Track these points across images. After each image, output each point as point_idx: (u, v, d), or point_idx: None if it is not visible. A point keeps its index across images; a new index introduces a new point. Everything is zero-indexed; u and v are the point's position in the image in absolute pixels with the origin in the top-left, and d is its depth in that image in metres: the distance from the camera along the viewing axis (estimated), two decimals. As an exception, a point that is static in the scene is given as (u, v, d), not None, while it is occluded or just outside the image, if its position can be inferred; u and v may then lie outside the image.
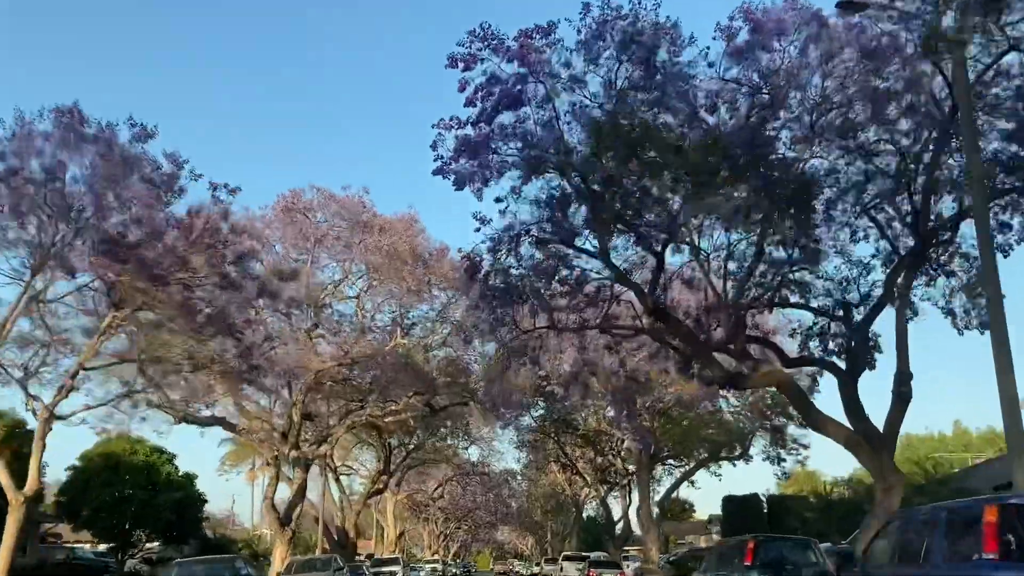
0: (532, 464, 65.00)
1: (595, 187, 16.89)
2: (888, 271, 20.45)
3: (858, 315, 20.85)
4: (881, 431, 17.40)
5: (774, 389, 39.44)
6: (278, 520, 32.03)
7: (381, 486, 53.20)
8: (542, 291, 19.05)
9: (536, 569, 76.22)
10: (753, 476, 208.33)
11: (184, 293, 19.74)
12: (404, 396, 35.16)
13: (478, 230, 17.82)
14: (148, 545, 38.43)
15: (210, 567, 18.08)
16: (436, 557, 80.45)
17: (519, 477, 74.49)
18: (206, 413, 30.66)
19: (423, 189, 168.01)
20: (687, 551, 51.26)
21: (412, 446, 51.30)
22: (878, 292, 20.66)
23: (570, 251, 18.01)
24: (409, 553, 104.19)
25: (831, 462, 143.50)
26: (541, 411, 49.33)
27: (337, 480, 47.56)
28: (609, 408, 41.00)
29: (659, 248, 17.92)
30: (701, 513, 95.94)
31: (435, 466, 69.74)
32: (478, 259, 18.12)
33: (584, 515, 74.17)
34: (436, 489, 69.22)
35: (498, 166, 16.54)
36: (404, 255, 31.28)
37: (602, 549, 76.67)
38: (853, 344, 19.76)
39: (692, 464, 42.74)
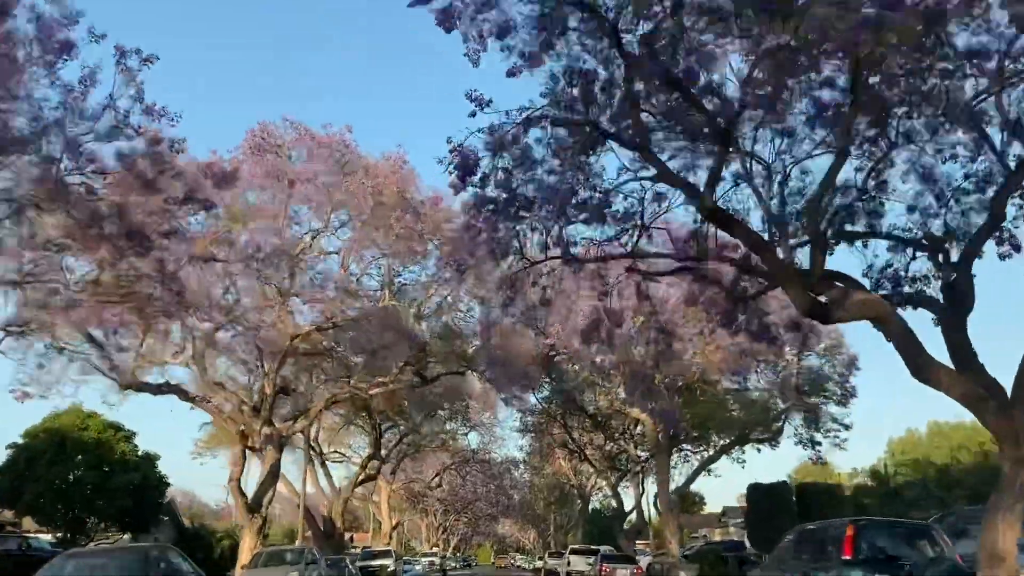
0: (536, 451, 60.49)
1: (634, 48, 12.34)
2: (995, 191, 15.99)
3: (955, 249, 16.45)
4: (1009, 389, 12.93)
5: (809, 363, 35.20)
6: (246, 505, 27.56)
7: (372, 472, 48.80)
8: (556, 206, 14.52)
9: (539, 564, 71.86)
10: (764, 466, 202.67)
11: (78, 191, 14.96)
12: (393, 366, 30.68)
13: (473, 115, 13.26)
14: (108, 535, 33.85)
15: (110, 559, 13.35)
16: (435, 550, 76.05)
17: (522, 466, 70.01)
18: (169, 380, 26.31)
19: (414, 137, 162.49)
20: (703, 545, 46.83)
21: (405, 430, 46.79)
22: (975, 220, 16.28)
23: (596, 141, 13.38)
24: (408, 547, 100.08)
25: (841, 454, 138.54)
26: (546, 393, 45.00)
27: (324, 465, 43.10)
28: (621, 388, 36.51)
29: (716, 142, 13.33)
30: (712, 506, 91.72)
31: (432, 454, 65.41)
32: (472, 156, 13.55)
33: (588, 507, 69.54)
34: (434, 479, 64.68)
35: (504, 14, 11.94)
36: (392, 201, 26.74)
37: (609, 542, 72.45)
38: (956, 279, 15.28)
39: (717, 447, 38.15)
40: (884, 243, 17.41)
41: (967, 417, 19.00)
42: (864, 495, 40.98)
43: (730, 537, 56.78)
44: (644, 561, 38.83)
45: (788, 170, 15.66)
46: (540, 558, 74.96)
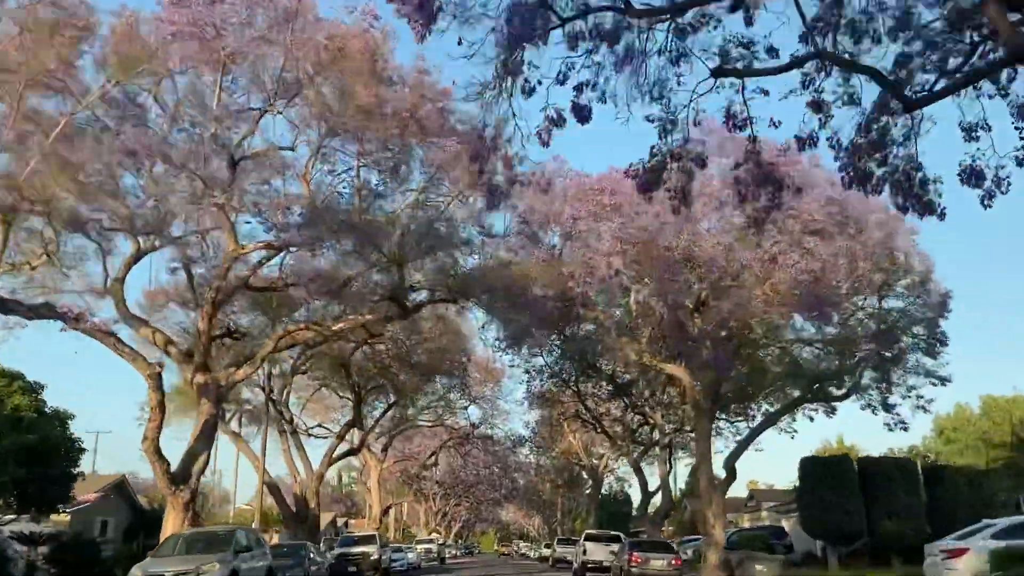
0: (544, 422, 53.38)
1: None
2: None
3: None
4: None
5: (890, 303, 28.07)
6: (166, 474, 20.50)
7: (354, 445, 41.81)
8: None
9: (546, 551, 64.95)
10: (780, 448, 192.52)
11: None
12: (367, 299, 23.60)
13: None
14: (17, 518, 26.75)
15: None
16: (433, 536, 69.13)
17: (527, 446, 62.81)
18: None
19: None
20: (736, 531, 39.83)
21: (392, 395, 39.75)
22: None
23: None
24: (408, 533, 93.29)
25: (862, 434, 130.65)
26: (556, 355, 37.96)
27: (294, 434, 36.04)
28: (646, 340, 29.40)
29: None
30: (735, 489, 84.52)
31: (428, 431, 58.42)
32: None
33: (601, 490, 62.42)
34: (430, 457, 57.62)
35: None
36: (357, 61, 19.58)
37: (621, 528, 65.77)
38: None
39: (764, 413, 30.93)
40: None
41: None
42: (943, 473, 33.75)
43: (760, 523, 49.71)
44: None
45: None
46: (547, 545, 68.02)
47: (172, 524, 21.04)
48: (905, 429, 28.07)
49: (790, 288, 23.32)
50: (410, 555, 50.39)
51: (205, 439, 22.00)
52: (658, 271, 24.11)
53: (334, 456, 38.11)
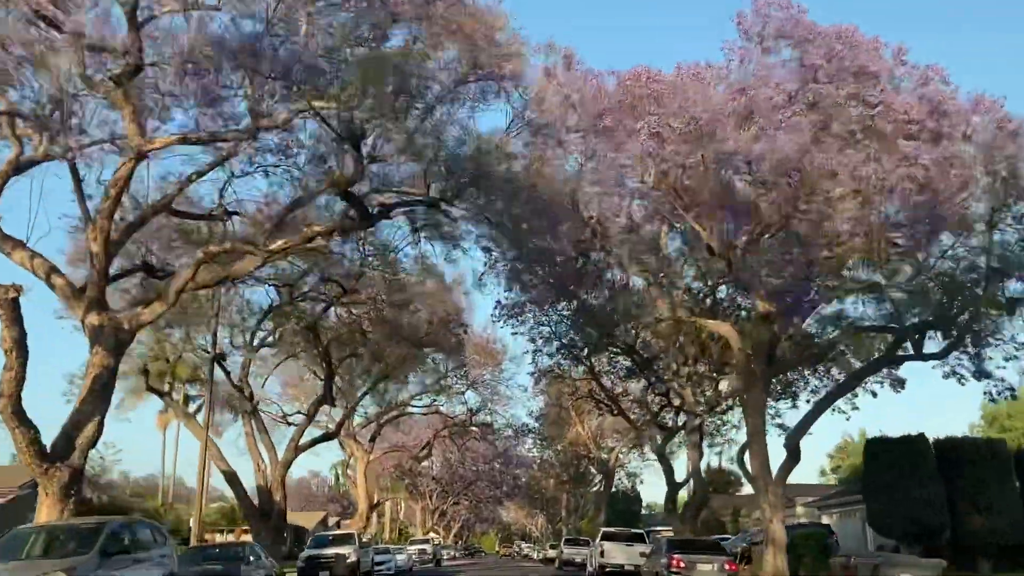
0: (551, 404, 47.27)
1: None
2: None
3: None
4: None
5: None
6: (33, 447, 14.42)
7: (329, 430, 35.69)
8: None
9: (551, 552, 58.92)
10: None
11: None
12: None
13: None
14: None
15: None
16: (430, 536, 62.89)
17: (530, 440, 56.59)
18: None
19: None
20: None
21: (372, 369, 33.57)
22: None
23: None
24: (405, 533, 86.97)
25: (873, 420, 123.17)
26: (566, 324, 31.88)
27: (254, 413, 29.84)
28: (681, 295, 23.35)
29: None
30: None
31: (421, 419, 52.25)
32: None
33: (613, 485, 56.15)
34: (423, 448, 51.38)
35: None
36: None
37: (630, 527, 60.12)
38: None
39: (860, 364, 24.52)
40: None
41: None
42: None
43: (797, 520, 43.42)
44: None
45: None
46: (552, 545, 61.91)
47: (45, 515, 14.95)
48: (1014, 396, 21.87)
49: (885, 200, 17.24)
50: (400, 557, 44.30)
51: (95, 400, 15.85)
52: (709, 184, 18.02)
53: (303, 442, 31.89)
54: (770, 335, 22.19)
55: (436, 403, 46.46)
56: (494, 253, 22.76)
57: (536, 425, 53.91)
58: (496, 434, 48.25)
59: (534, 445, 64.46)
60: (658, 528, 55.10)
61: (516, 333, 32.84)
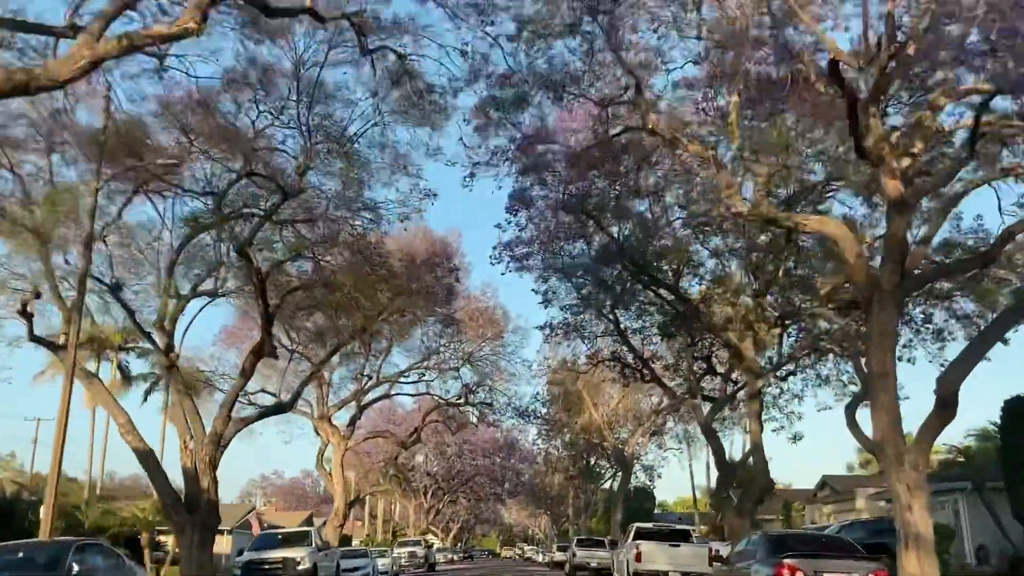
0: (560, 383, 39.63)
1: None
2: None
3: None
4: None
5: None
6: None
7: (283, 400, 27.97)
8: None
9: (558, 555, 51.22)
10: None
11: None
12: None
13: None
14: None
15: None
16: (428, 538, 55.00)
17: (535, 424, 48.77)
18: None
19: None
20: (846, 524, 25.98)
21: (332, 312, 25.73)
22: None
23: None
24: (398, 533, 79.12)
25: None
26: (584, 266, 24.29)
27: (172, 370, 21.99)
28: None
29: None
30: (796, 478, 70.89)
31: (410, 404, 44.58)
32: None
33: (631, 477, 48.23)
34: (412, 435, 43.54)
35: None
36: None
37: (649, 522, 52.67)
38: None
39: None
40: None
41: None
42: None
43: (859, 516, 35.62)
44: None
45: None
46: (560, 547, 54.13)
47: None
48: None
49: None
50: (382, 561, 36.60)
51: None
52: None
53: (248, 414, 24.17)
54: (902, 233, 14.57)
55: (425, 379, 38.75)
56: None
57: (543, 409, 46.29)
58: (497, 416, 40.44)
59: (539, 436, 56.94)
60: (685, 527, 47.43)
61: (520, 268, 25.17)
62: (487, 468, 67.06)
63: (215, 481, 21.96)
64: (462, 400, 38.69)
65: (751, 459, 23.45)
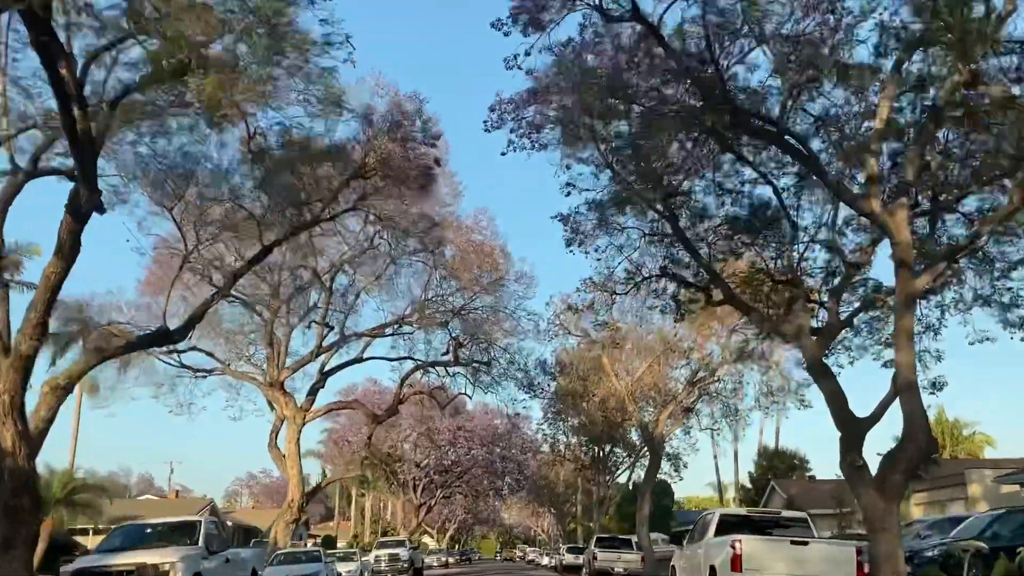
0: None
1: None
2: None
3: None
4: None
5: None
6: None
7: (168, 326, 18.72)
8: None
9: (568, 557, 42.44)
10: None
11: None
12: None
13: None
14: None
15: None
16: (407, 538, 45.70)
17: (541, 399, 39.66)
18: None
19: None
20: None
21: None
22: None
23: None
24: (386, 533, 69.99)
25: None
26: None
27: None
28: None
29: None
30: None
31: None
32: None
33: (661, 460, 38.94)
34: (395, 404, 34.21)
35: None
36: None
37: (661, 526, 44.48)
38: None
39: None
40: None
41: None
42: None
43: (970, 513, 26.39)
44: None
45: None
46: (571, 548, 45.09)
47: None
48: None
49: None
50: (346, 567, 27.82)
51: None
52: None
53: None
54: None
55: (403, 332, 29.66)
56: None
57: (551, 384, 37.23)
58: (495, 381, 31.23)
59: (544, 419, 47.93)
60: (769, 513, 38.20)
61: (532, 143, 16.46)
62: (485, 459, 57.92)
63: (25, 440, 12.88)
64: (449, 356, 29.52)
65: (902, 405, 14.37)
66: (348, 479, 45.70)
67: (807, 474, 52.54)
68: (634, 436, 48.28)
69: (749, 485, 54.40)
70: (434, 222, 22.10)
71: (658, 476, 48.18)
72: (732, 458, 60.83)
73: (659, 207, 17.41)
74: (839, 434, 15.34)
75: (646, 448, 45.09)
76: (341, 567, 26.96)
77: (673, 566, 16.22)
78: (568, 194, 17.40)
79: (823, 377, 16.10)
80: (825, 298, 18.58)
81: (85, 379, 32.55)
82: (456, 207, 27.80)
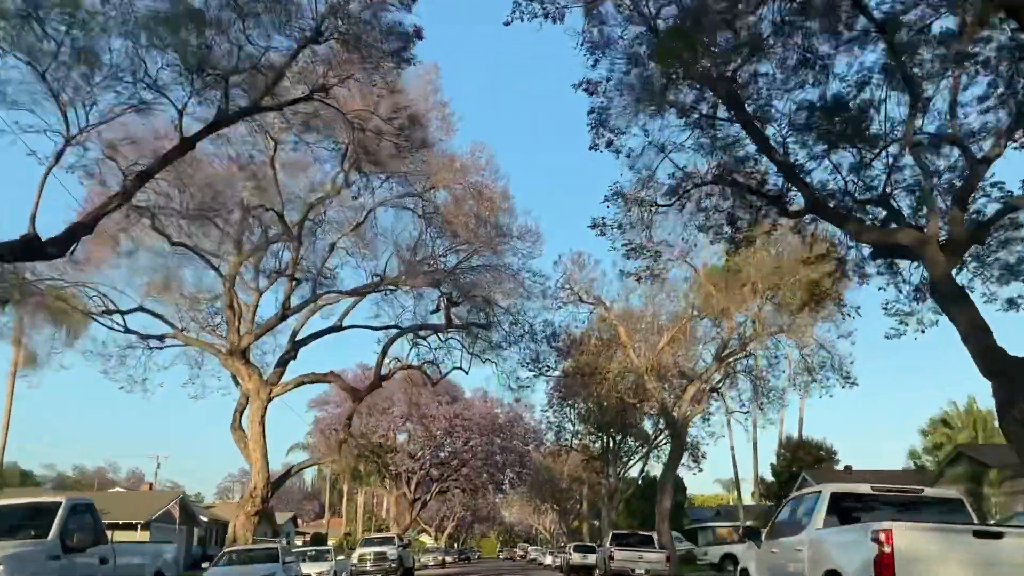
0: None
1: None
2: None
3: None
4: None
5: None
6: None
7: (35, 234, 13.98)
8: None
9: (576, 557, 37.66)
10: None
11: None
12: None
13: None
14: None
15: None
16: (395, 535, 40.66)
17: (547, 379, 34.84)
18: None
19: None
20: None
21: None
22: None
23: None
24: (379, 528, 65.22)
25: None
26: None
27: None
28: None
29: None
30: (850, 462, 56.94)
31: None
32: None
33: (685, 446, 34.01)
34: (382, 378, 29.30)
35: None
36: None
37: (676, 522, 39.63)
38: None
39: None
40: None
41: None
42: None
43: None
44: None
45: None
46: (578, 547, 40.15)
47: None
48: None
49: None
50: (317, 567, 23.06)
51: None
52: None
53: None
54: None
55: (387, 289, 24.84)
56: None
57: (556, 352, 32.38)
58: (494, 350, 26.39)
59: (549, 405, 43.17)
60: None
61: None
62: (484, 450, 53.08)
63: None
64: (438, 308, 24.67)
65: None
66: (325, 463, 40.72)
67: (835, 467, 47.71)
68: (648, 425, 43.78)
69: (771, 478, 49.53)
70: (415, 119, 17.29)
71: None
72: (752, 448, 55.89)
73: (718, 78, 12.58)
74: (990, 383, 10.53)
75: (662, 436, 40.70)
76: (310, 568, 22.18)
77: (744, 569, 11.43)
78: (596, 62, 12.61)
79: (956, 302, 11.27)
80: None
81: (22, 350, 27.99)
82: (449, 141, 23.12)
